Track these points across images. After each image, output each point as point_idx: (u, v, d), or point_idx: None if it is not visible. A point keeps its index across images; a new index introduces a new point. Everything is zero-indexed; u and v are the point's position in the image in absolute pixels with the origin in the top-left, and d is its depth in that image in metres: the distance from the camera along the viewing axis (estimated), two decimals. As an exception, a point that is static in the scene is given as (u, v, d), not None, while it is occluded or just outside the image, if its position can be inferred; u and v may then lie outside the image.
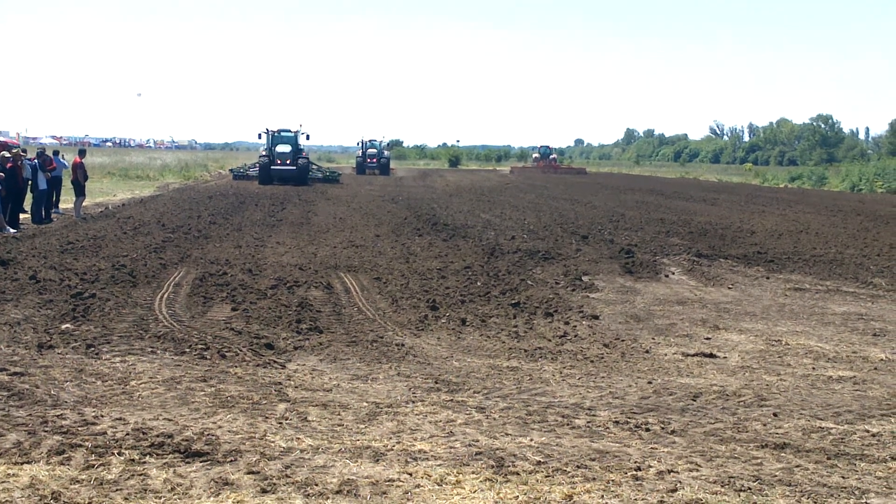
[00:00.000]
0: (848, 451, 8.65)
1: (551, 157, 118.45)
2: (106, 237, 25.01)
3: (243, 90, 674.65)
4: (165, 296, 16.27)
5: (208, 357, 11.98)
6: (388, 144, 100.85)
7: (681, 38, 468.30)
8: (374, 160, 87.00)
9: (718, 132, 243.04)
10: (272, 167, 59.54)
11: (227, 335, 13.37)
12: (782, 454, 8.52)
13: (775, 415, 9.96)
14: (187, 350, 12.33)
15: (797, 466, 8.15)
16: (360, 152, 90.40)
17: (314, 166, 67.38)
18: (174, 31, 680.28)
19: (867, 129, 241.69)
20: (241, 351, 12.39)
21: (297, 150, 60.70)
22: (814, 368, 12.52)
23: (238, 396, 10.05)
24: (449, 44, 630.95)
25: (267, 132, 62.49)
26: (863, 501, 7.25)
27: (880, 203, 53.47)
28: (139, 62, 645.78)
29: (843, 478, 7.86)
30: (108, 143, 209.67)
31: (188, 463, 7.77)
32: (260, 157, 62.36)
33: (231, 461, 7.84)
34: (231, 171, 72.44)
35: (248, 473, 7.53)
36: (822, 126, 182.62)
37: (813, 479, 7.78)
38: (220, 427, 8.84)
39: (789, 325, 15.62)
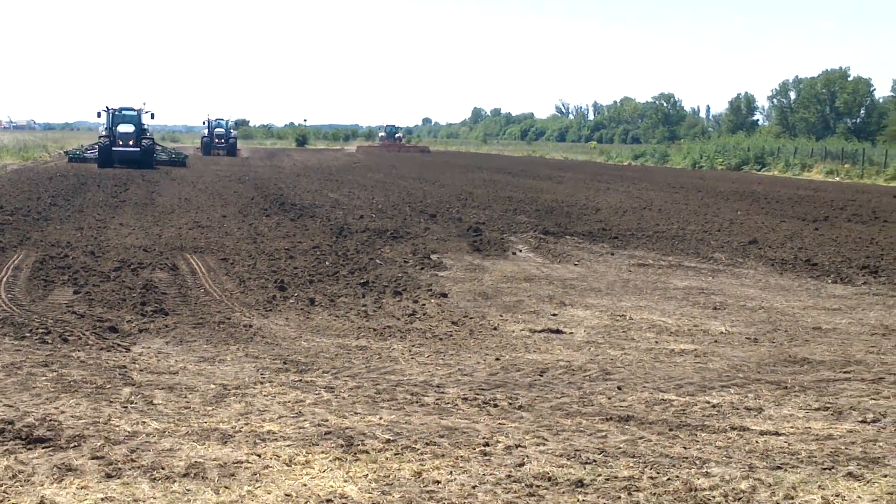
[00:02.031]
0: (689, 423, 8.86)
1: (397, 135, 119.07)
2: (-59, 220, 24.24)
3: (84, 67, 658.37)
4: (4, 279, 15.86)
5: (50, 341, 11.71)
6: (234, 124, 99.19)
7: (526, 16, 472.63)
8: (222, 140, 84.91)
9: (564, 111, 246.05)
10: (113, 149, 54.45)
11: (69, 319, 13.09)
12: (626, 426, 8.69)
13: (620, 388, 10.15)
14: (28, 335, 12.02)
15: (641, 438, 8.32)
16: (205, 132, 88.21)
17: (159, 147, 61.80)
18: (7, 3, 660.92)
19: (708, 107, 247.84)
20: (83, 335, 12.15)
21: (140, 130, 56.11)
22: (657, 342, 12.80)
23: (81, 381, 9.85)
24: (295, 20, 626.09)
25: (107, 110, 57.39)
26: (703, 471, 7.42)
27: (720, 180, 54.85)
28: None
29: (684, 448, 8.04)
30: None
31: (30, 449, 7.58)
32: (100, 137, 57.25)
33: (74, 446, 7.68)
34: (66, 153, 66.95)
35: (93, 458, 7.39)
36: (665, 104, 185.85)
37: (656, 451, 7.95)
38: (62, 412, 8.65)
39: (633, 300, 15.92)
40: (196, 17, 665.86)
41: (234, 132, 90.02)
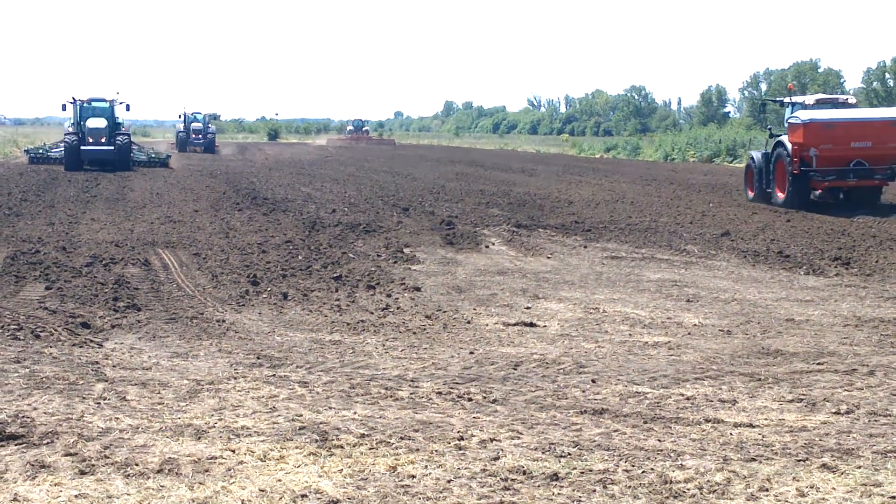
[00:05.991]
0: (664, 415, 8.88)
1: (364, 129, 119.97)
2: (-90, 216, 24.04)
3: (52, 61, 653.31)
4: (-25, 275, 15.74)
5: (21, 337, 11.64)
6: (209, 118, 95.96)
7: (497, 9, 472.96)
8: (199, 136, 78.86)
9: (536, 104, 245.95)
10: (82, 147, 46.34)
11: (41, 315, 13.01)
12: (601, 419, 8.71)
13: (594, 381, 10.16)
14: (-1, 331, 11.95)
15: (615, 431, 8.34)
16: (181, 126, 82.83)
17: (135, 146, 52.33)
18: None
19: (679, 99, 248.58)
20: (56, 330, 12.08)
21: (114, 125, 48.26)
22: (630, 335, 12.80)
23: (54, 377, 9.81)
24: (267, 13, 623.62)
25: (74, 102, 48.98)
26: (678, 463, 7.45)
27: (692, 172, 54.86)
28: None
29: (659, 441, 8.07)
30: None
31: (2, 446, 7.56)
32: (66, 134, 48.55)
33: (48, 443, 7.66)
34: (26, 151, 56.99)
35: (66, 455, 7.37)
36: (636, 97, 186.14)
37: (630, 443, 7.97)
38: (35, 409, 8.62)
39: (606, 292, 15.93)
40: (165, 9, 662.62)
41: (212, 127, 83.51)
